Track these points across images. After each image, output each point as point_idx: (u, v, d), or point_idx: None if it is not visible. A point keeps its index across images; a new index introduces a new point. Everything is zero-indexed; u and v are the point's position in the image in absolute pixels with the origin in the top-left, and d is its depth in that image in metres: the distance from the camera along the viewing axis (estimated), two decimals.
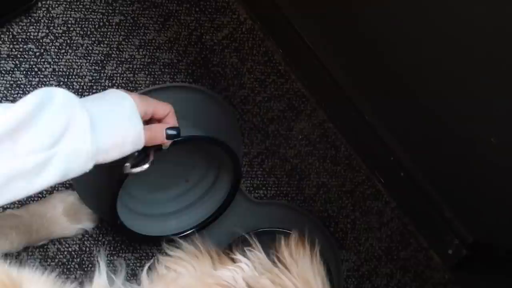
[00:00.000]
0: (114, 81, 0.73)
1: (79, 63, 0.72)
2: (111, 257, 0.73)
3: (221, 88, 0.75)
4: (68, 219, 0.67)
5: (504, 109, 0.47)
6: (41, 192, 0.67)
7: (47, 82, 0.71)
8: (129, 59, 0.73)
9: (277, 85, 0.76)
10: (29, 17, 0.70)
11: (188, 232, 0.68)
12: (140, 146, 0.49)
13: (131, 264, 0.73)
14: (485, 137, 0.52)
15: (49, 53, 0.71)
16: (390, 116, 0.70)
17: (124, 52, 0.73)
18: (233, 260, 0.45)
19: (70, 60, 0.72)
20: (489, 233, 0.70)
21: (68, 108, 0.43)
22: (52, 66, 0.71)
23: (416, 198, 0.74)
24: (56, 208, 0.66)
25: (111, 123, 0.46)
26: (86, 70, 0.72)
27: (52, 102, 0.43)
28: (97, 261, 0.47)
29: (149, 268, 0.48)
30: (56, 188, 0.69)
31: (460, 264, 0.74)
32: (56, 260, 0.71)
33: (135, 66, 0.73)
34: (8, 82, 0.69)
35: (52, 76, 0.71)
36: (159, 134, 0.51)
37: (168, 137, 0.52)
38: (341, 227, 0.76)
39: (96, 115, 0.45)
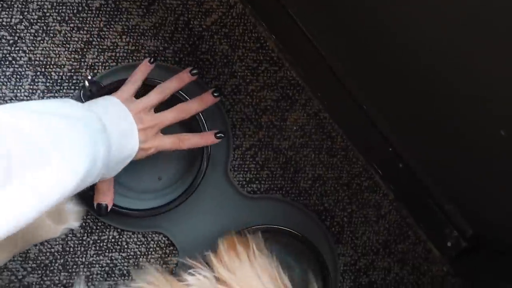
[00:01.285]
0: (95, 71, 0.68)
1: (57, 52, 0.67)
2: (97, 257, 0.69)
3: (211, 77, 0.70)
4: (52, 220, 0.63)
5: None
6: None
7: (23, 72, 0.66)
8: (111, 47, 0.68)
9: (270, 73, 0.72)
10: (1, 2, 0.65)
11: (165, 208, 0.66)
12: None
13: (118, 264, 0.70)
14: (494, 129, 0.49)
15: (24, 40, 0.66)
16: (389, 105, 0.67)
17: (106, 39, 0.68)
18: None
19: (47, 48, 0.67)
20: (489, 226, 0.68)
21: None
22: (27, 55, 0.66)
23: (415, 190, 0.72)
24: None
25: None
26: (65, 59, 0.67)
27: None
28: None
29: None
30: None
31: (459, 257, 0.73)
32: (38, 262, 0.67)
33: (118, 54, 0.68)
34: None
35: (28, 65, 0.66)
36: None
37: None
38: (337, 221, 0.74)
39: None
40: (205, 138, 0.63)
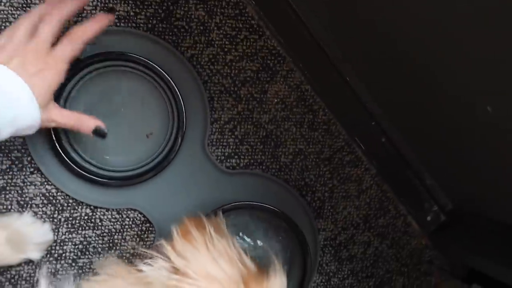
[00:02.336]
0: None
1: (16, 16, 0.61)
2: (70, 235, 0.66)
3: (186, 45, 0.66)
4: (11, 248, 0.59)
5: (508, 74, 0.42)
6: None
7: None
8: (80, 13, 0.62)
9: (249, 42, 0.67)
10: None
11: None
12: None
13: (92, 242, 0.67)
14: (481, 105, 0.47)
15: None
16: (373, 77, 0.64)
17: None
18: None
19: (5, 12, 0.61)
20: (469, 201, 0.68)
21: None
22: None
23: (397, 165, 0.71)
24: None
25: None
26: None
27: None
28: (38, 277, 0.41)
29: None
30: None
31: (438, 231, 0.73)
32: None
33: (85, 19, 0.63)
34: None
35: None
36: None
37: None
38: (318, 196, 0.72)
39: None
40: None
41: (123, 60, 0.62)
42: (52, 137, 0.62)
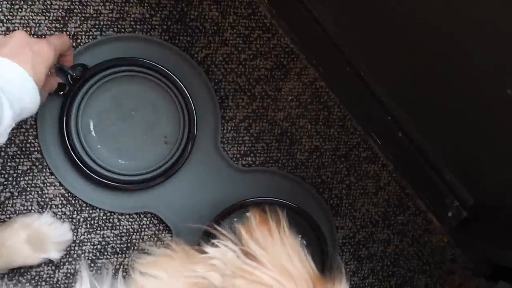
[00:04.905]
0: (79, 41, 0.64)
1: (36, 21, 0.63)
2: (89, 235, 0.67)
3: (201, 45, 0.67)
4: (31, 247, 0.59)
5: None
6: None
7: None
8: (94, 15, 0.64)
9: (263, 41, 0.68)
10: None
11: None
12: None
13: (110, 242, 0.68)
14: (499, 87, 0.46)
15: (1, 9, 0.62)
16: (388, 70, 0.64)
17: (88, 7, 0.64)
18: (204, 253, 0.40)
19: (26, 17, 0.63)
20: (491, 194, 0.66)
21: None
22: (5, 25, 0.62)
23: (415, 160, 0.70)
24: (19, 235, 0.59)
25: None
26: (46, 28, 0.63)
27: None
28: (79, 270, 0.41)
29: (124, 276, 0.42)
30: (19, 211, 0.62)
31: (460, 227, 0.71)
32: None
33: (102, 23, 0.65)
34: None
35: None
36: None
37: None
38: (335, 193, 0.72)
39: None
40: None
41: (131, 65, 0.63)
42: (66, 144, 0.63)
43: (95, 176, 0.63)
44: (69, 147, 0.63)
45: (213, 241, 0.41)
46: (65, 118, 0.62)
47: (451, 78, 0.53)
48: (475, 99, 0.52)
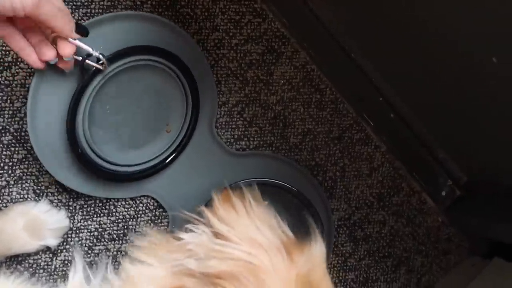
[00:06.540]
0: None
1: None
2: (85, 222, 0.67)
3: (192, 31, 0.68)
4: (29, 234, 0.60)
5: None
6: None
7: None
8: (86, 3, 0.65)
9: (253, 25, 0.69)
10: None
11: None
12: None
13: (107, 228, 0.68)
14: (484, 56, 0.46)
15: None
16: (379, 50, 0.65)
17: None
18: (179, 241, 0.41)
19: None
20: (485, 170, 0.67)
21: None
22: None
23: (407, 140, 0.71)
24: (16, 223, 0.60)
25: None
26: None
27: None
28: (73, 257, 0.41)
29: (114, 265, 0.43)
30: (15, 200, 0.62)
31: (454, 206, 0.72)
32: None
33: (93, 11, 0.65)
34: None
35: None
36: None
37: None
38: (330, 176, 0.72)
39: None
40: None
41: (145, 54, 0.59)
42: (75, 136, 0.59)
43: (98, 170, 0.61)
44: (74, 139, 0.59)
45: (187, 226, 0.41)
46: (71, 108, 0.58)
47: (439, 52, 0.54)
48: (464, 69, 0.53)
